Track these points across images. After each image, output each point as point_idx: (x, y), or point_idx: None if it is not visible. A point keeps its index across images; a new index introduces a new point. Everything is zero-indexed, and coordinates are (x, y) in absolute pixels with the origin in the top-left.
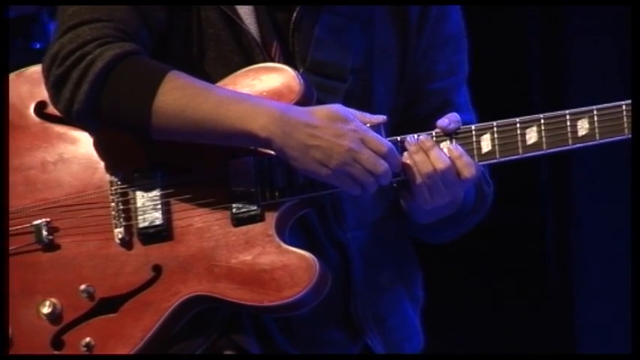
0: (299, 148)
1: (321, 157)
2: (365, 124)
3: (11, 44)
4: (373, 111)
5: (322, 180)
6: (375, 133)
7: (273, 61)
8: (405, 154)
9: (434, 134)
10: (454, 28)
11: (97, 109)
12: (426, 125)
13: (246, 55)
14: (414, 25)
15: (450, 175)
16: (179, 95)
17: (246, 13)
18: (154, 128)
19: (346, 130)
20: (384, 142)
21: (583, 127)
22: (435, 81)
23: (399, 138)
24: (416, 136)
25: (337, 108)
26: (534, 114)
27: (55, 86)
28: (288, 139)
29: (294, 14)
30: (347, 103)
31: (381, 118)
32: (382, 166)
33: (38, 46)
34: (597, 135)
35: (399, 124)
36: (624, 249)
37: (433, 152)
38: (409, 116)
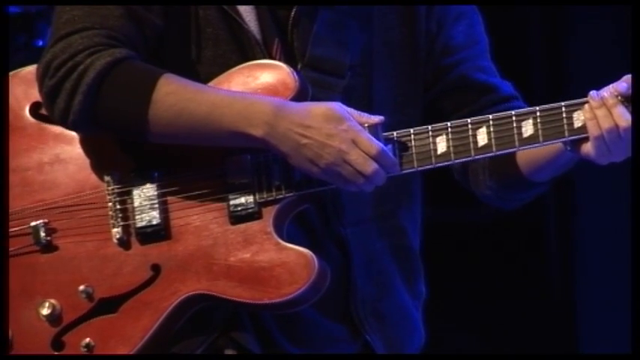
0: (292, 147)
1: (312, 156)
2: (362, 124)
3: (14, 40)
4: (374, 107)
5: (316, 177)
6: (368, 134)
7: (274, 59)
8: (586, 106)
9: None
10: (463, 7)
11: (93, 119)
12: (449, 101)
13: (245, 54)
14: (422, 10)
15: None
16: (173, 101)
17: (246, 11)
18: (151, 135)
19: (338, 131)
20: (374, 144)
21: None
22: (456, 53)
23: (394, 133)
24: (596, 92)
25: (334, 107)
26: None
27: (48, 97)
28: (282, 137)
29: (293, 11)
30: (347, 99)
31: (377, 118)
32: (371, 167)
33: (41, 43)
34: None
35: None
36: (625, 249)
37: (617, 109)
38: (434, 97)
